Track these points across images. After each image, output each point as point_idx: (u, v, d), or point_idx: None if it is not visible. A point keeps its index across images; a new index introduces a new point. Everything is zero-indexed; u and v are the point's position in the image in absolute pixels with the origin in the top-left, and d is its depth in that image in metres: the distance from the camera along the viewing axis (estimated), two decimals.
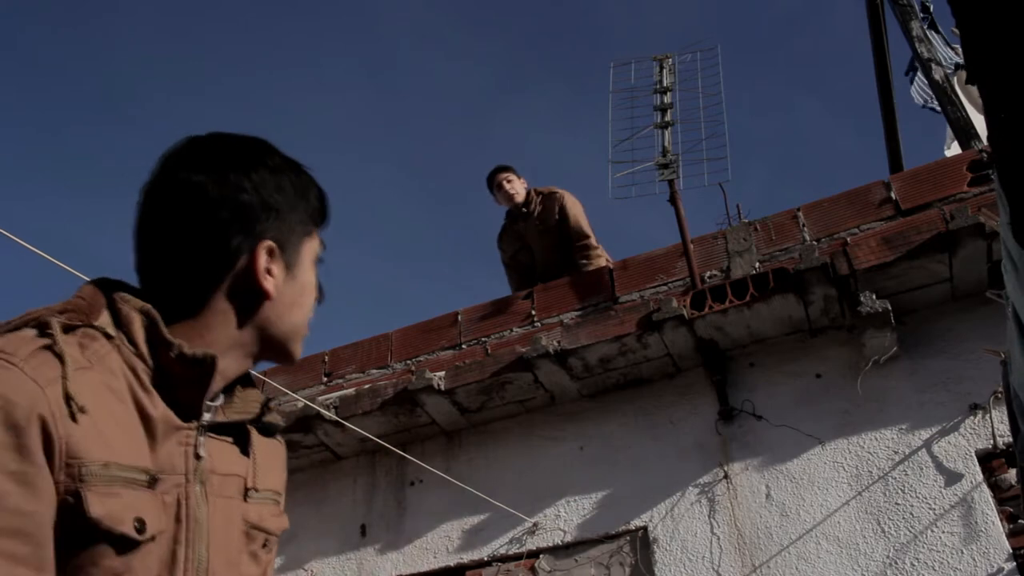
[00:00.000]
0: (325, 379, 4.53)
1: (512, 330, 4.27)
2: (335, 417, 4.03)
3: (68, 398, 0.77)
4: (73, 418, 0.77)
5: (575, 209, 4.99)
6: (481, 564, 3.89)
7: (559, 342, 3.79)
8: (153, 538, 0.82)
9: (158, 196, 0.95)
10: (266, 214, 0.95)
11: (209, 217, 0.92)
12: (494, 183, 5.14)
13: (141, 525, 0.81)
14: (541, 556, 3.78)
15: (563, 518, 3.83)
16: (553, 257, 4.99)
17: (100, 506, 0.78)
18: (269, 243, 0.95)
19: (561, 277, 4.59)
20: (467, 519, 4.02)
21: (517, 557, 3.82)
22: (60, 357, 0.79)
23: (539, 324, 4.21)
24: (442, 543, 4.02)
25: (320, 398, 4.23)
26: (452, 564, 3.94)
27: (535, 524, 3.84)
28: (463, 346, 4.33)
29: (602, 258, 4.89)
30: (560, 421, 4.08)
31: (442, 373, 4.00)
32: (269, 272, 0.95)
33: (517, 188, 5.09)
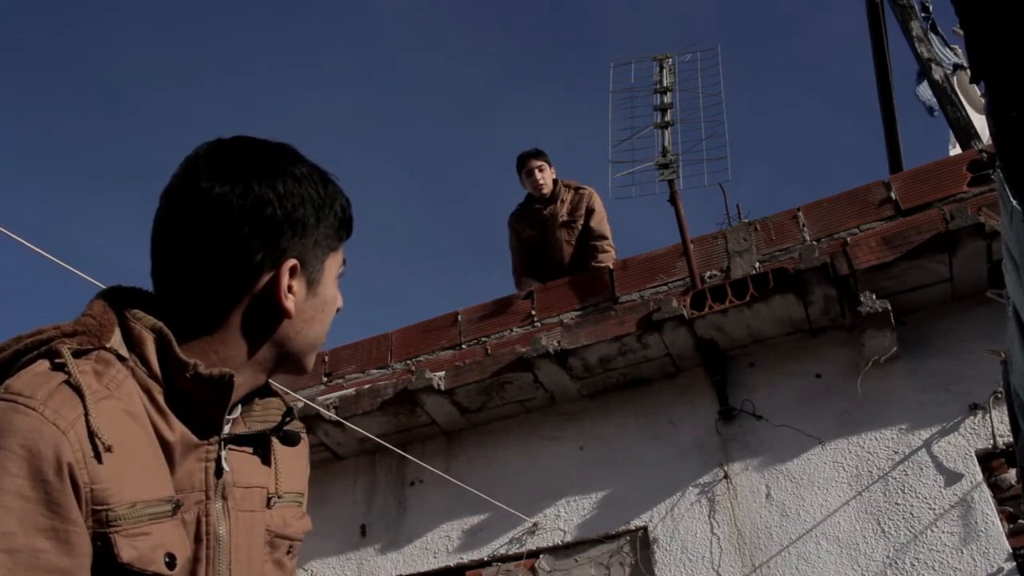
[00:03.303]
0: (325, 379, 4.53)
1: (512, 330, 4.27)
2: (335, 417, 4.03)
3: (92, 436, 0.75)
4: (98, 458, 0.75)
5: (602, 210, 5.03)
6: (481, 564, 3.89)
7: (559, 342, 3.78)
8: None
9: (178, 204, 0.90)
10: (291, 229, 0.91)
11: (231, 232, 0.88)
12: (524, 168, 5.12)
13: (171, 560, 0.80)
14: (541, 556, 3.78)
15: (563, 518, 3.83)
16: (570, 250, 5.02)
17: (131, 549, 0.76)
18: (292, 261, 0.91)
19: (573, 269, 4.64)
20: (467, 519, 4.02)
21: (517, 557, 3.82)
22: (78, 391, 0.77)
23: (539, 324, 4.21)
24: (442, 543, 4.02)
25: (320, 398, 4.23)
26: (452, 564, 3.94)
27: (535, 524, 3.84)
28: (463, 346, 4.33)
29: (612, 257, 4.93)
30: (560, 421, 4.08)
31: (442, 373, 4.00)
32: (290, 289, 0.92)
33: (547, 179, 5.10)
